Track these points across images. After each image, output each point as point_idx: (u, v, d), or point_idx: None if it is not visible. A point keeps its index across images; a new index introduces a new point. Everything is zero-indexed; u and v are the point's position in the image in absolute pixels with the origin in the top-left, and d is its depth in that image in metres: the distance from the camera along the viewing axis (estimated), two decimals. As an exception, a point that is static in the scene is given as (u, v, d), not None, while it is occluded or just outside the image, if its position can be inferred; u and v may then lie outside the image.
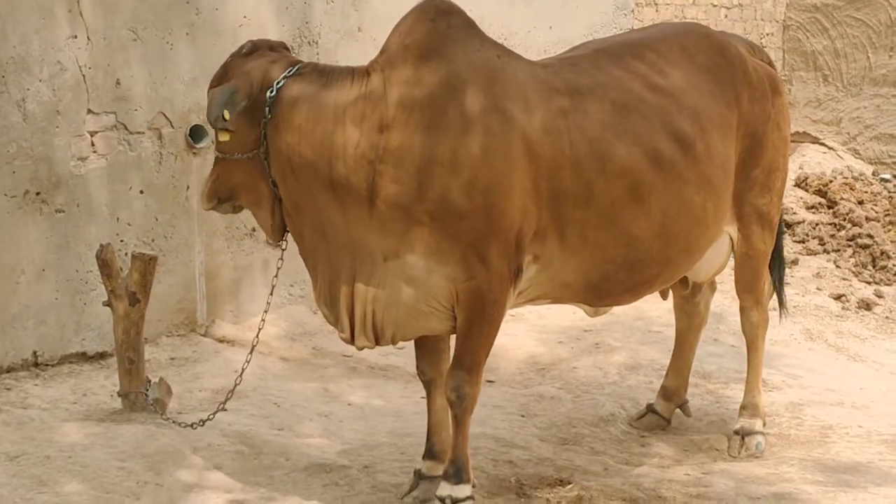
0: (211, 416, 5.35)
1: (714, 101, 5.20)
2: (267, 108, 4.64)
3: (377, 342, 4.78)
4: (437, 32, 4.68)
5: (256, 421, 5.71)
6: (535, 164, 4.63)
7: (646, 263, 4.98)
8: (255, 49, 4.82)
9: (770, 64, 5.69)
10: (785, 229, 6.71)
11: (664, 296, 5.93)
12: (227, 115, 4.62)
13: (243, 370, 5.37)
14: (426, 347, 4.96)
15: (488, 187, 4.54)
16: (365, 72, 4.70)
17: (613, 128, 4.82)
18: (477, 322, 4.66)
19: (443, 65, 4.62)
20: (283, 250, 5.04)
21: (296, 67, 4.72)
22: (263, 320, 5.39)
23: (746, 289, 5.72)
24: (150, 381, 5.69)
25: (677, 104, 5.03)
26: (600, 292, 5.03)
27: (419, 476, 4.95)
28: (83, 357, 6.41)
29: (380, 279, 4.66)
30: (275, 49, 4.87)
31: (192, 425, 5.34)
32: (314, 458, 5.27)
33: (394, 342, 4.82)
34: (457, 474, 4.74)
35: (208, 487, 4.88)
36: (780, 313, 6.24)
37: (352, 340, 4.80)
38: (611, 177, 4.79)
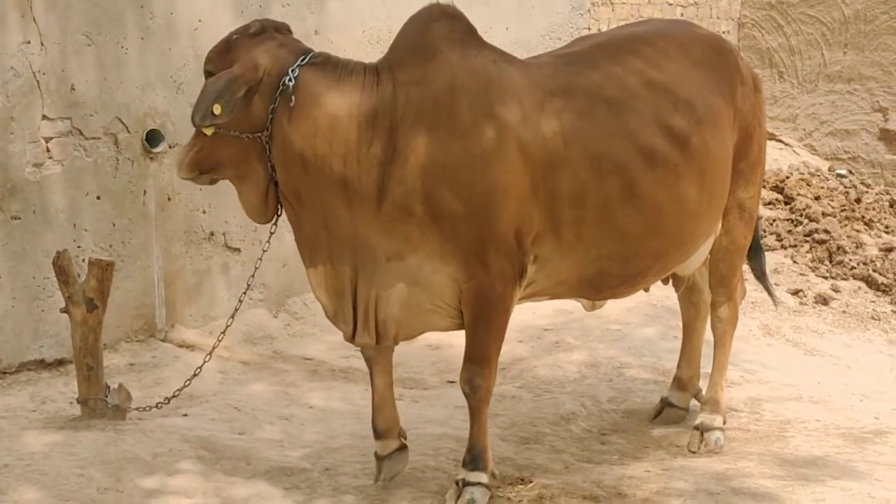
0: (169, 399, 5.58)
1: (711, 94, 5.23)
2: (278, 95, 4.62)
3: (378, 340, 4.86)
4: (442, 36, 4.75)
5: (217, 425, 5.70)
6: (530, 168, 4.70)
7: (640, 257, 5.07)
8: (263, 30, 4.80)
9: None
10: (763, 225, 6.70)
11: (646, 288, 5.94)
12: (217, 109, 4.54)
13: (195, 372, 5.59)
14: None
15: (484, 191, 4.61)
16: (375, 70, 4.76)
17: (607, 127, 4.88)
18: (482, 319, 4.77)
19: (444, 68, 4.68)
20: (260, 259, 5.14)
21: (308, 56, 4.72)
22: (228, 325, 5.52)
23: (720, 283, 5.70)
24: (109, 388, 5.67)
25: (673, 99, 5.07)
26: (596, 286, 5.12)
27: (377, 457, 5.09)
28: (41, 364, 6.37)
29: (382, 278, 4.74)
30: (280, 31, 4.87)
31: (145, 408, 5.59)
32: (275, 461, 5.26)
33: (396, 341, 4.92)
34: (472, 462, 4.90)
35: (169, 493, 4.87)
36: (774, 302, 6.35)
37: (352, 337, 4.88)
38: (605, 175, 4.85)
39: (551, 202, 4.76)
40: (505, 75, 4.77)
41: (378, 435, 5.10)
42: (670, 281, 5.80)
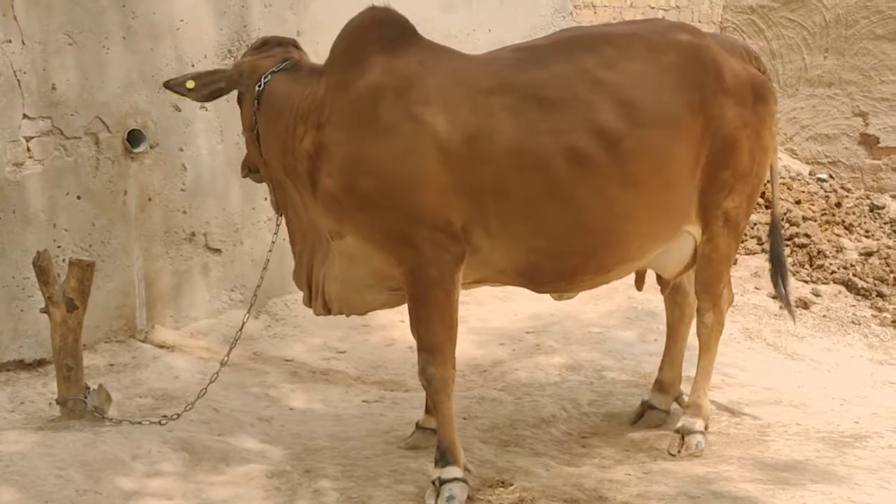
0: (188, 407, 5.68)
1: (671, 100, 5.23)
2: (255, 99, 5.28)
3: (329, 312, 5.39)
4: (368, 41, 5.13)
5: (197, 427, 5.68)
6: (449, 162, 4.93)
7: (569, 254, 5.19)
8: (264, 44, 5.50)
9: (763, 72, 5.68)
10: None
11: (639, 286, 5.96)
12: (190, 84, 5.38)
13: (212, 378, 5.80)
14: None
15: (399, 185, 4.92)
16: (320, 72, 5.25)
17: (535, 125, 5.01)
18: (420, 303, 5.01)
19: (365, 71, 5.06)
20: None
21: (283, 63, 5.34)
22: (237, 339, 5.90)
23: (705, 290, 5.69)
24: (88, 388, 5.64)
25: (614, 100, 5.10)
26: (532, 279, 5.30)
27: (417, 426, 5.61)
28: (20, 364, 6.33)
29: (331, 256, 5.22)
30: (282, 45, 5.50)
31: (159, 421, 5.56)
32: (255, 463, 5.24)
33: (342, 313, 5.43)
34: (442, 458, 4.98)
35: (148, 494, 4.85)
36: (792, 316, 6.31)
37: (311, 306, 5.46)
38: (527, 172, 5.00)
39: (476, 195, 4.97)
40: (429, 75, 5.04)
41: (427, 410, 5.57)
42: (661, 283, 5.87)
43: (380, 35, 5.13)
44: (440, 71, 5.06)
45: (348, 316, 5.52)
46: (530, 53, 5.25)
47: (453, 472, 4.93)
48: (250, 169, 5.58)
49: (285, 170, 5.21)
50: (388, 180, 4.92)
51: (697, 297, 5.76)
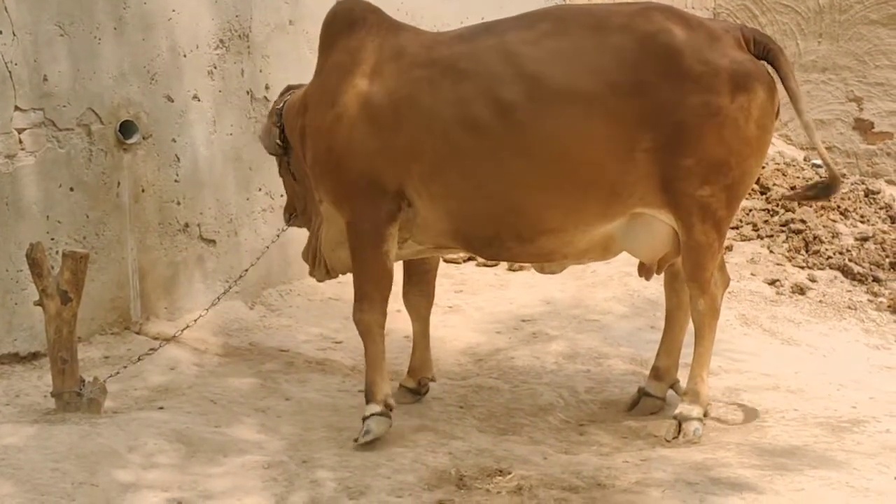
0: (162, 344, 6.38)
1: (588, 78, 5.29)
2: (278, 114, 6.08)
3: (329, 274, 6.07)
4: (340, 27, 5.75)
5: (193, 418, 5.66)
6: (377, 129, 5.47)
7: (481, 220, 5.53)
8: (289, 89, 6.22)
9: (768, 51, 5.63)
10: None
11: (644, 274, 5.92)
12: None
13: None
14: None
15: (337, 150, 5.53)
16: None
17: (444, 95, 5.42)
18: (355, 257, 5.63)
19: (331, 52, 5.73)
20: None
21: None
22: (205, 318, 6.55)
23: (691, 278, 5.63)
24: (84, 381, 5.63)
25: (518, 72, 5.35)
26: (466, 243, 5.69)
27: (400, 385, 6.18)
28: (15, 357, 6.31)
29: (321, 220, 5.85)
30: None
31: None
32: (252, 454, 5.23)
33: (337, 273, 6.05)
34: (365, 396, 5.57)
35: (145, 486, 4.83)
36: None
37: (312, 272, 6.16)
38: (436, 138, 5.42)
39: (400, 159, 5.47)
40: (375, 52, 5.60)
41: (408, 370, 6.18)
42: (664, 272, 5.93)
43: (346, 21, 5.73)
44: (386, 48, 5.60)
45: (336, 276, 6.13)
46: (471, 31, 5.68)
47: (372, 408, 5.49)
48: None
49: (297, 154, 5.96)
50: (329, 147, 5.54)
51: (687, 285, 5.71)
